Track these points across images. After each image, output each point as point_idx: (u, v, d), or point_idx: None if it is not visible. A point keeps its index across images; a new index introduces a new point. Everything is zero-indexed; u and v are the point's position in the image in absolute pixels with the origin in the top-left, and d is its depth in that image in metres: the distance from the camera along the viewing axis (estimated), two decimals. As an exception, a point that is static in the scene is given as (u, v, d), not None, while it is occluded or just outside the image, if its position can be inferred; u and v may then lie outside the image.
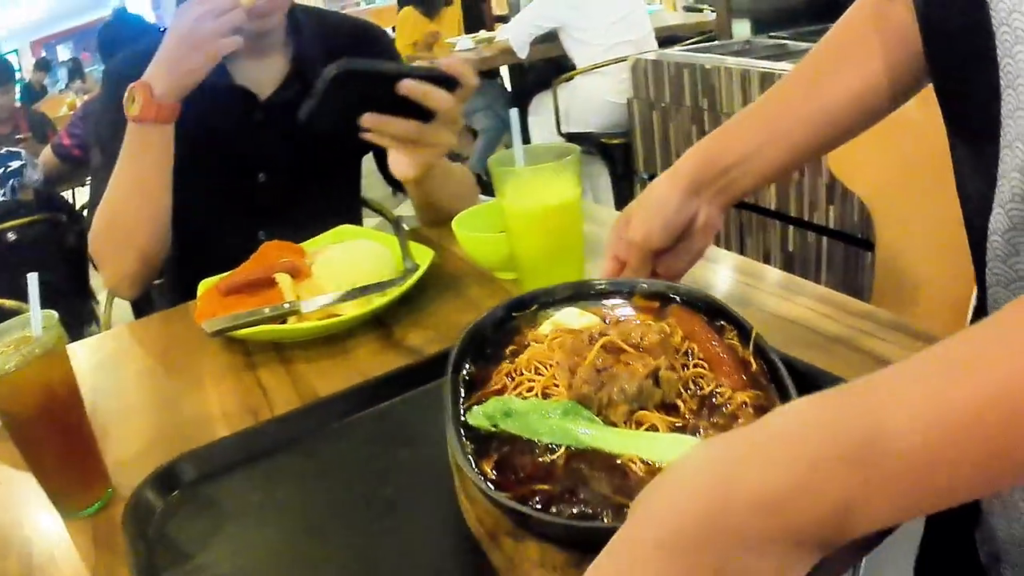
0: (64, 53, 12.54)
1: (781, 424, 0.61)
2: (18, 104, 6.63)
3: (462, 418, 0.92)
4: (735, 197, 1.24)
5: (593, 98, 5.36)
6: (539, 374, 0.96)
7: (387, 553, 0.93)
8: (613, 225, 1.28)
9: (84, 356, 1.62)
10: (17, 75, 8.34)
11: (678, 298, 1.10)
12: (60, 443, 1.14)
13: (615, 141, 5.31)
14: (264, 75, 1.94)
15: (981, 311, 1.02)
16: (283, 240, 1.66)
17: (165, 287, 2.09)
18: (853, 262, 3.39)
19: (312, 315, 1.45)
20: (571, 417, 0.88)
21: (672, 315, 1.05)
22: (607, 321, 1.05)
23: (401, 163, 1.65)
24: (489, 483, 0.82)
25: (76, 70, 12.51)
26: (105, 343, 1.67)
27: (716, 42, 4.74)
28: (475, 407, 0.92)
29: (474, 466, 0.84)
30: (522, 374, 0.97)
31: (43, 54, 13.23)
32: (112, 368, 1.58)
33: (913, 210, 2.19)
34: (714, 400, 0.90)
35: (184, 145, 1.65)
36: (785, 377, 0.90)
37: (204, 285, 1.62)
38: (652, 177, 4.47)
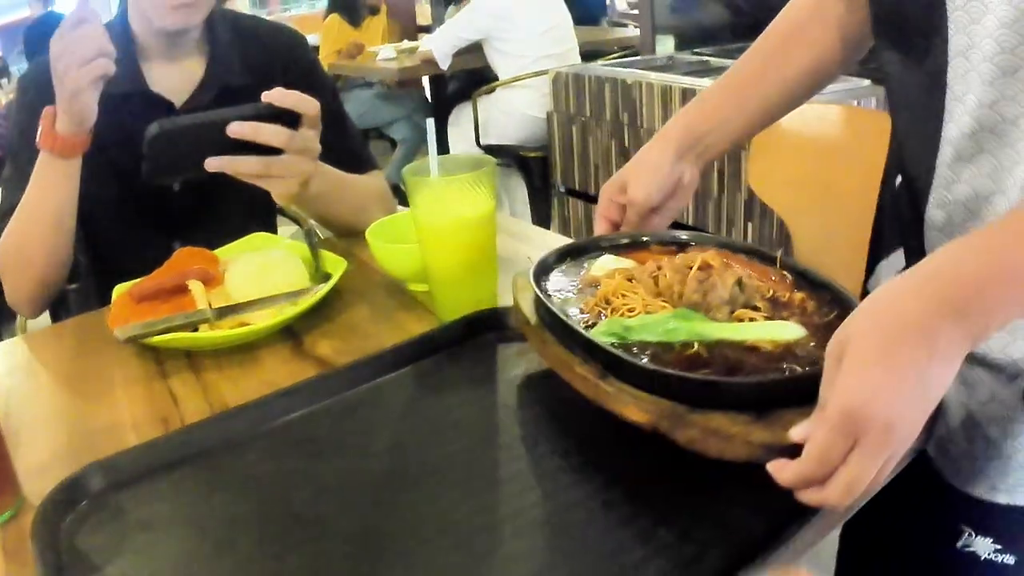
0: None
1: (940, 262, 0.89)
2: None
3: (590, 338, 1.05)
4: (711, 159, 1.49)
5: (513, 111, 5.40)
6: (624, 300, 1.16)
7: (296, 566, 0.94)
8: (604, 190, 1.47)
9: (2, 359, 1.61)
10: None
11: (692, 242, 1.36)
12: None
13: (533, 155, 5.35)
14: (179, 81, 1.92)
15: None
16: (199, 247, 1.66)
17: (81, 292, 2.06)
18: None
19: (223, 324, 1.45)
20: (690, 319, 1.08)
21: (695, 251, 1.25)
22: (646, 263, 1.25)
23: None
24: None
25: (2, 69, 12.21)
26: (20, 347, 1.65)
27: (639, 57, 4.78)
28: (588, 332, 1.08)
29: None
30: (609, 303, 1.16)
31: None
32: (26, 373, 1.57)
33: (829, 229, 2.23)
34: (780, 300, 1.16)
35: (98, 151, 1.62)
36: (820, 278, 1.19)
37: (118, 290, 1.61)
38: (569, 191, 4.53)
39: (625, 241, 1.39)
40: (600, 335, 1.06)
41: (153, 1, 1.78)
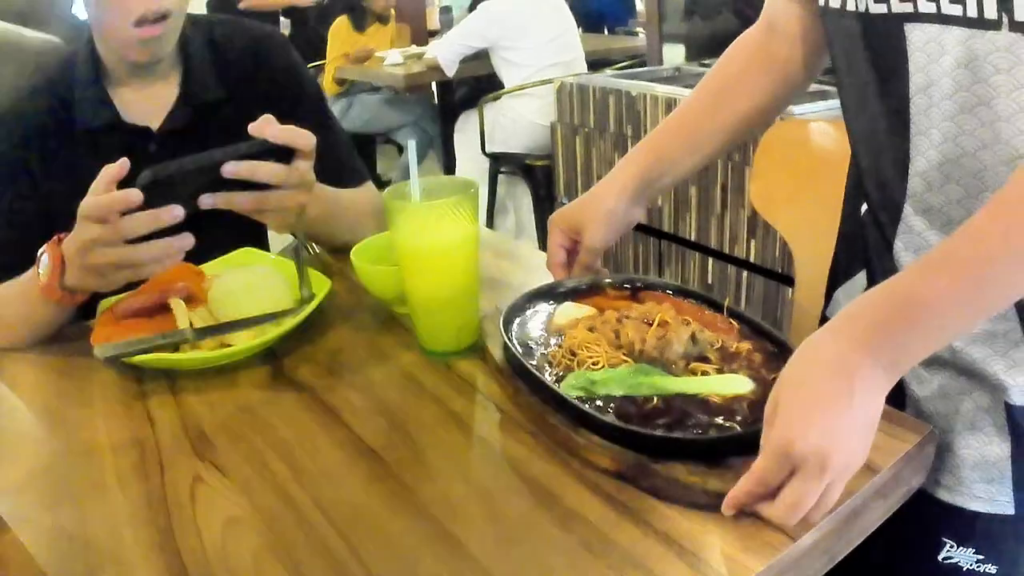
0: None
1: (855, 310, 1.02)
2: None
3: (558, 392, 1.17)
4: (657, 196, 1.57)
5: (519, 119, 5.39)
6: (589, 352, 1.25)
7: None
8: (555, 225, 1.57)
9: None
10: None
11: (641, 286, 1.47)
12: None
13: (539, 163, 5.34)
14: (153, 104, 1.83)
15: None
16: (186, 261, 1.60)
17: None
18: (773, 296, 3.43)
19: (204, 344, 1.44)
20: (650, 375, 1.19)
21: (648, 299, 1.40)
22: (603, 311, 1.37)
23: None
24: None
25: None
26: (1, 359, 1.64)
27: (645, 68, 4.75)
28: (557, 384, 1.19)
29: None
30: (575, 355, 1.25)
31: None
32: (8, 387, 1.55)
33: (828, 249, 2.21)
34: (729, 350, 1.26)
35: (79, 188, 1.44)
36: (765, 328, 1.30)
37: (103, 306, 1.59)
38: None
39: (584, 286, 1.48)
40: (570, 388, 1.17)
41: (119, 37, 1.71)
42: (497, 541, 1.03)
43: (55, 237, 1.49)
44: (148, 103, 1.83)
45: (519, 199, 5.70)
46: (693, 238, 3.75)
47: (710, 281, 3.74)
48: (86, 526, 1.12)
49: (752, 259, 3.51)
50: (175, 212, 1.35)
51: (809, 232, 2.28)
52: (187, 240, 1.39)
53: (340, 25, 7.28)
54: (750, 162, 2.88)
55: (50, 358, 1.61)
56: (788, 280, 3.33)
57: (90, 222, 1.36)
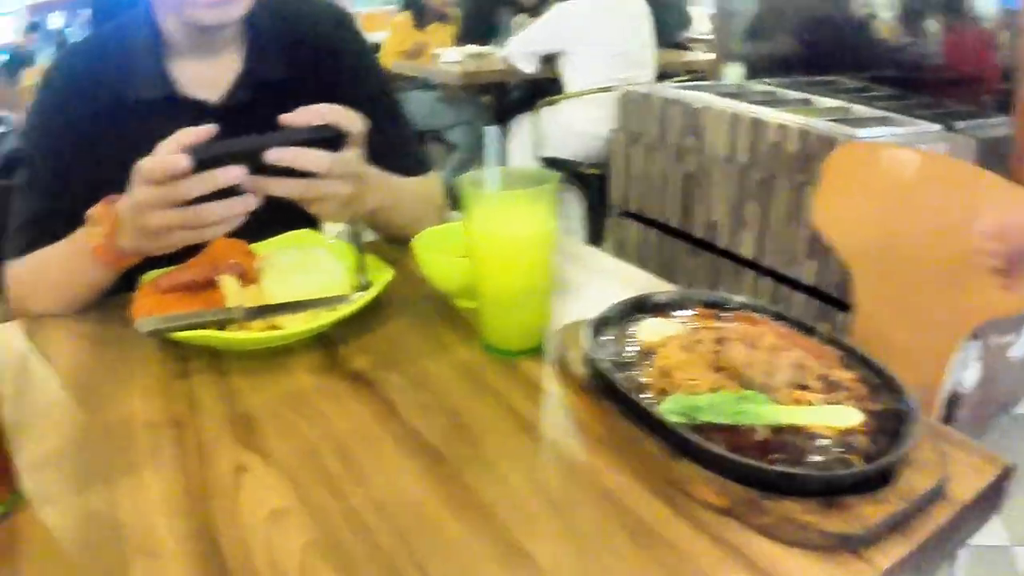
0: (57, 21, 12.08)
1: None
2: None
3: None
4: None
5: (575, 125, 5.31)
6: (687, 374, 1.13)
7: None
8: None
9: (15, 339, 1.54)
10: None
11: (733, 306, 1.33)
12: None
13: (592, 172, 5.24)
14: (214, 77, 1.77)
15: None
16: (234, 238, 1.53)
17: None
18: (827, 321, 3.32)
19: (253, 325, 1.36)
20: (755, 403, 1.06)
21: (739, 320, 1.27)
22: (696, 328, 1.25)
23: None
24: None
25: (63, 44, 12.12)
26: (39, 327, 1.57)
27: (708, 83, 4.67)
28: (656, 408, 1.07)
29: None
30: (670, 376, 1.13)
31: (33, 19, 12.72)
32: (42, 356, 1.49)
33: (891, 277, 2.13)
34: (830, 379, 1.12)
35: (134, 157, 1.39)
36: (867, 356, 1.18)
37: (146, 278, 1.53)
38: (625, 213, 4.43)
39: (669, 301, 1.36)
40: (669, 413, 1.06)
41: None
42: (570, 556, 0.93)
43: (106, 198, 1.45)
44: (208, 77, 1.77)
45: (568, 207, 5.62)
46: (751, 256, 3.65)
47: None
48: (116, 510, 1.04)
49: (807, 281, 3.40)
50: (233, 172, 1.28)
51: (872, 257, 2.19)
52: (249, 201, 1.31)
53: (402, 20, 7.26)
54: (813, 180, 2.78)
55: (88, 328, 1.55)
56: (841, 305, 3.24)
57: (146, 184, 1.30)
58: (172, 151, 1.28)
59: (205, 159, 1.27)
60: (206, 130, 1.31)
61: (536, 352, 1.35)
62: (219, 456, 1.12)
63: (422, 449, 1.12)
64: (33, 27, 11.98)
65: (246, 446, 1.14)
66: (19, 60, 8.34)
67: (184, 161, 1.26)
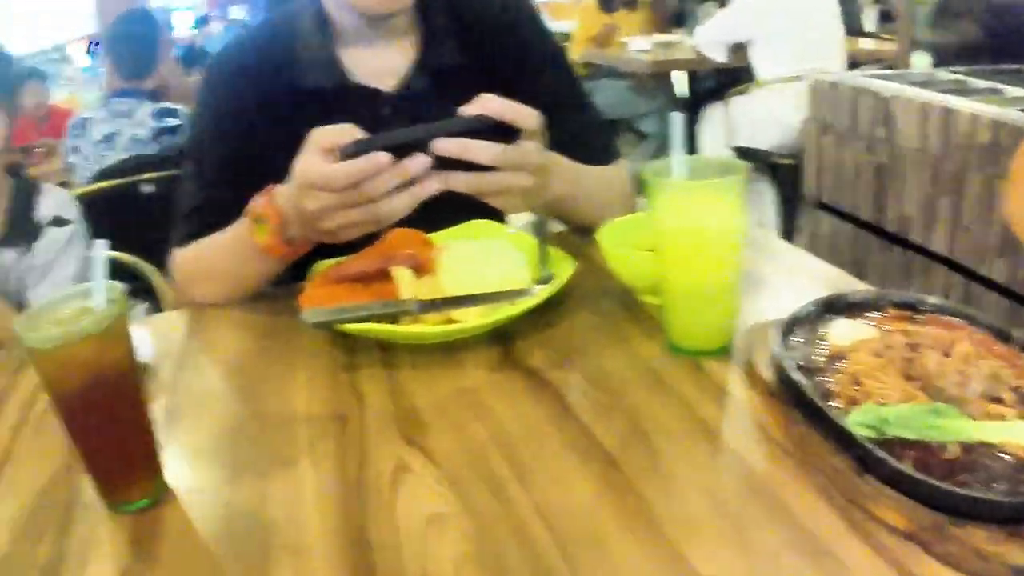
0: (240, 12, 12.28)
1: None
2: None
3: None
4: None
5: (767, 115, 5.18)
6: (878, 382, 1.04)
7: None
8: None
9: (178, 328, 1.52)
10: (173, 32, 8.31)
11: (927, 308, 1.22)
12: (107, 429, 1.03)
13: (785, 162, 5.09)
14: (388, 65, 1.72)
15: None
16: (410, 228, 1.48)
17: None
18: (1017, 322, 3.15)
19: (427, 318, 1.30)
20: (948, 417, 0.96)
21: (930, 323, 1.17)
22: (887, 331, 1.15)
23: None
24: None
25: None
26: (202, 316, 1.56)
27: (897, 71, 4.50)
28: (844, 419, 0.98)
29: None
30: (860, 385, 1.05)
31: (212, 12, 12.91)
32: (205, 345, 1.47)
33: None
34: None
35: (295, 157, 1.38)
36: None
37: (317, 268, 1.49)
38: (820, 205, 4.28)
39: (861, 301, 1.25)
40: (857, 426, 0.97)
41: None
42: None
43: (266, 191, 1.43)
44: (381, 65, 1.72)
45: (761, 199, 5.49)
46: (944, 252, 3.47)
47: (948, 298, 3.47)
48: (266, 505, 1.01)
49: (1000, 280, 3.21)
50: (419, 162, 1.23)
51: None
52: (431, 186, 1.25)
53: (587, 6, 7.21)
54: (1004, 173, 2.61)
55: (254, 317, 1.54)
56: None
57: (320, 191, 1.26)
58: (321, 157, 1.27)
59: (369, 151, 1.23)
60: (348, 129, 1.28)
61: (723, 353, 1.25)
62: (381, 454, 1.08)
63: (595, 454, 1.04)
64: (202, 21, 12.25)
65: (410, 444, 1.09)
66: (194, 54, 8.50)
67: (372, 165, 1.21)
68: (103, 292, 1.01)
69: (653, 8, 7.83)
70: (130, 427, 1.05)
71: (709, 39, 5.64)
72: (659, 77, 6.54)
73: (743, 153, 5.27)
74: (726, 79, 6.00)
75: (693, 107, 6.36)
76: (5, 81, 2.25)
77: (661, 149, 6.76)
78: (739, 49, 5.54)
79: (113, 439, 1.04)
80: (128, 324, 1.03)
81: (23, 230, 2.17)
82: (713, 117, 5.71)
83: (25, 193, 2.22)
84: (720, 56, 5.62)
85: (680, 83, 6.89)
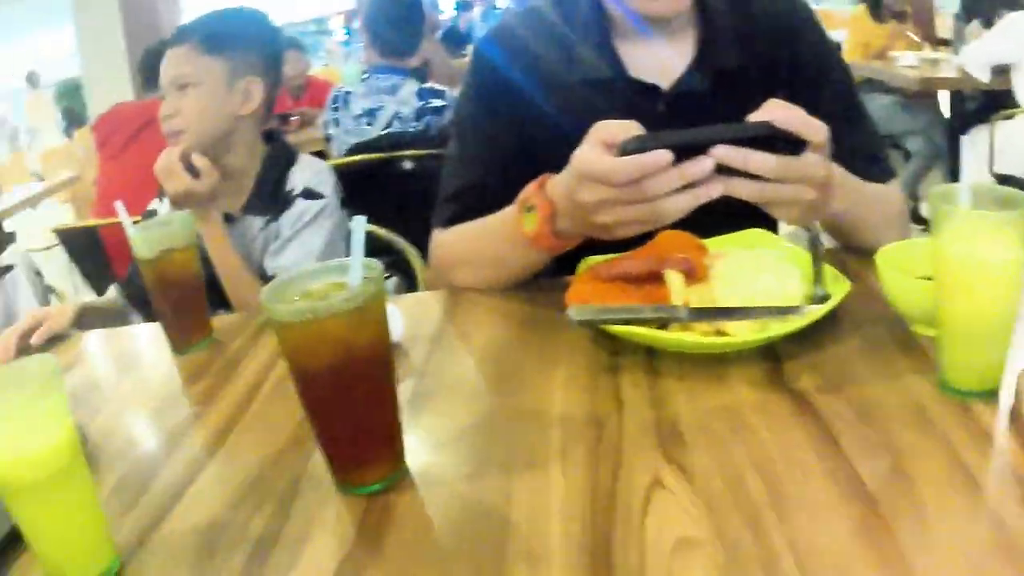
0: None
1: None
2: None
3: None
4: None
5: (1030, 143, 4.94)
6: None
7: None
8: None
9: (433, 310, 1.54)
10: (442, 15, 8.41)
11: None
12: (349, 409, 1.04)
13: (1048, 195, 4.87)
14: (665, 62, 1.69)
15: None
16: (683, 231, 1.44)
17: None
18: None
19: (696, 327, 1.26)
20: None
21: None
22: None
23: None
24: None
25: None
26: (460, 301, 1.57)
27: None
28: None
29: None
30: None
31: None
32: (458, 329, 1.48)
33: None
34: None
35: (576, 136, 1.33)
36: None
37: (585, 264, 1.47)
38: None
39: None
40: None
41: None
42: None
43: (539, 180, 1.41)
44: (658, 61, 1.70)
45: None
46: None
47: None
48: (508, 506, 1.00)
49: None
50: (704, 165, 1.18)
51: None
52: (713, 190, 1.21)
53: (858, 14, 7.05)
54: None
55: (514, 307, 1.53)
56: None
57: (600, 184, 1.23)
58: (600, 150, 1.24)
59: (647, 150, 1.19)
60: (631, 125, 1.25)
61: (992, 395, 1.15)
62: (636, 466, 1.04)
63: (855, 491, 0.97)
64: (465, 5, 12.35)
65: (667, 458, 1.05)
66: (456, 36, 8.60)
67: (653, 162, 1.18)
68: (360, 269, 1.01)
69: (918, 23, 7.62)
70: (374, 409, 1.05)
71: (974, 59, 5.43)
72: (924, 95, 6.34)
73: (1005, 181, 5.06)
74: (992, 101, 5.78)
75: (958, 128, 6.16)
76: (270, 50, 2.32)
77: (925, 170, 6.55)
78: (1003, 72, 5.33)
79: (354, 419, 1.04)
80: (384, 305, 1.03)
81: (273, 198, 2.21)
82: (977, 140, 5.50)
83: (280, 161, 2.27)
84: (984, 76, 5.40)
85: (945, 103, 6.68)
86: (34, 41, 24.17)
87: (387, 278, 3.05)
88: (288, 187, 2.21)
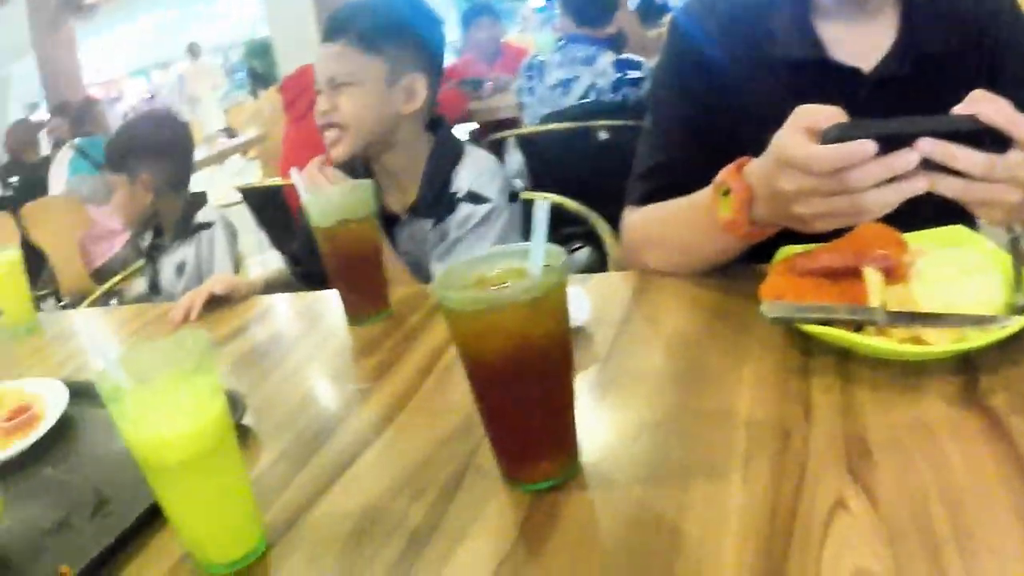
0: None
1: None
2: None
3: None
4: None
5: None
6: None
7: None
8: None
9: (622, 292, 1.52)
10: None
11: None
12: (520, 402, 1.01)
13: None
14: (865, 45, 1.62)
15: None
16: (882, 224, 1.36)
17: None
18: None
19: (893, 332, 1.19)
20: None
21: None
22: None
23: None
24: None
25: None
26: (649, 284, 1.54)
27: None
28: None
29: None
30: None
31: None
32: (646, 314, 1.45)
33: None
34: None
35: (772, 117, 1.29)
36: None
37: (783, 253, 1.43)
38: None
39: None
40: None
41: None
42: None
43: (736, 163, 1.36)
44: (860, 43, 1.63)
45: None
46: None
47: None
48: (682, 514, 0.94)
49: None
50: (909, 159, 1.13)
51: None
52: (918, 185, 1.15)
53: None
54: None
55: (706, 295, 1.48)
56: None
57: (800, 172, 1.19)
58: (803, 136, 1.20)
59: (849, 139, 1.15)
60: (835, 112, 1.20)
61: None
62: (820, 482, 0.97)
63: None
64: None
65: (854, 476, 0.97)
66: (651, 8, 8.51)
67: (859, 152, 1.13)
68: (541, 256, 0.97)
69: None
70: (547, 404, 1.02)
71: None
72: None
73: None
74: None
75: None
76: (430, 44, 2.22)
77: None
78: None
79: (526, 413, 1.01)
80: (564, 295, 0.99)
81: (437, 201, 2.15)
82: None
83: (445, 160, 2.19)
84: None
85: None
86: (196, 12, 24.76)
87: (577, 249, 3.02)
88: (453, 189, 2.15)
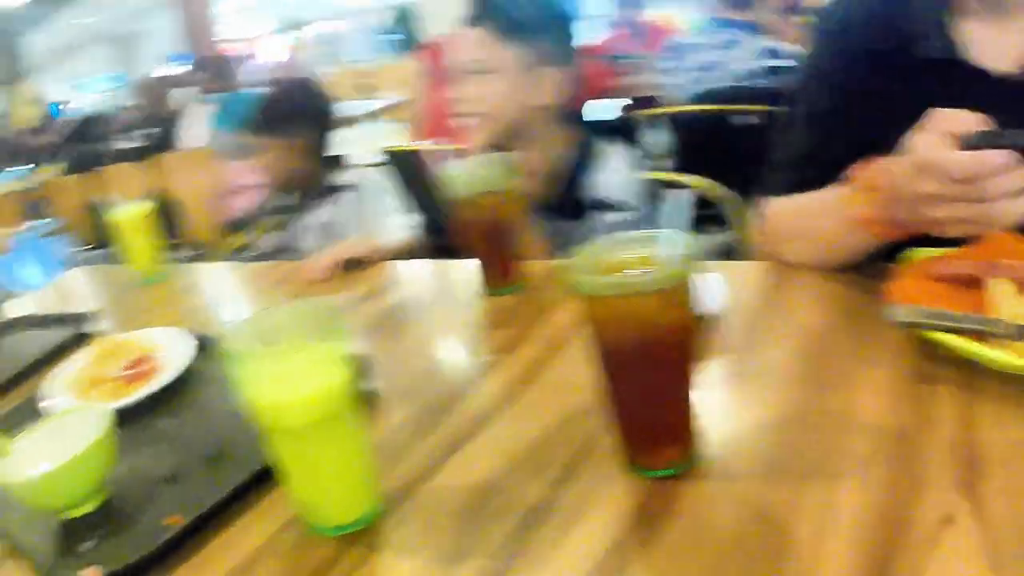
0: None
1: None
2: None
3: None
4: None
5: None
6: None
7: None
8: None
9: (756, 282, 1.54)
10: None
11: None
12: (645, 388, 1.02)
13: None
14: (1006, 44, 1.53)
15: None
16: (1015, 235, 1.33)
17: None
18: None
19: (1017, 346, 1.15)
20: None
21: None
22: None
23: None
24: None
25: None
26: (784, 276, 1.55)
27: None
28: None
29: None
30: None
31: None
32: (779, 307, 1.46)
33: None
34: None
35: (903, 115, 1.27)
36: None
37: (912, 255, 1.41)
38: None
39: None
40: None
41: None
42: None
43: (872, 160, 1.36)
44: (999, 45, 1.54)
45: None
46: None
47: None
48: (795, 515, 0.94)
49: None
50: None
51: None
52: None
53: None
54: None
55: (839, 291, 1.47)
56: None
57: (937, 176, 1.18)
58: (939, 139, 1.18)
59: (987, 146, 1.14)
60: (975, 118, 1.18)
61: None
62: (930, 493, 0.95)
63: None
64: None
65: (965, 491, 0.95)
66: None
67: (998, 161, 1.12)
68: (676, 245, 0.98)
69: None
70: (671, 390, 1.03)
71: None
72: None
73: None
74: None
75: None
76: (565, 39, 2.21)
77: None
78: None
79: (648, 399, 1.02)
80: (692, 286, 0.99)
81: (569, 204, 2.14)
82: None
83: (581, 162, 2.18)
84: None
85: None
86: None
87: (712, 232, 3.02)
88: (587, 193, 2.13)
